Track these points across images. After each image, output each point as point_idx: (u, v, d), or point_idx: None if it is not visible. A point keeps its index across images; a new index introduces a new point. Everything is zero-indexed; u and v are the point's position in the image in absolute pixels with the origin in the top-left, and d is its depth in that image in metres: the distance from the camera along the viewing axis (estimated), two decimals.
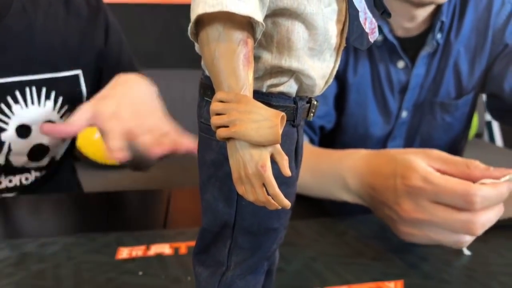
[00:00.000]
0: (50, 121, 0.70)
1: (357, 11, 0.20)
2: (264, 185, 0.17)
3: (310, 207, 0.57)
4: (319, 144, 0.77)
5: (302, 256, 0.45)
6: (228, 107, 0.16)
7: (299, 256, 0.45)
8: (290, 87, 0.20)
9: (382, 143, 0.79)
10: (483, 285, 0.39)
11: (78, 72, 0.73)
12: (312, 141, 0.75)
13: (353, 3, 0.20)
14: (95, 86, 0.74)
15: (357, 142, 0.78)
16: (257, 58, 0.19)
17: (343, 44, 0.22)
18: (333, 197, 0.54)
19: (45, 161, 0.73)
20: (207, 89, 0.21)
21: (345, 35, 0.21)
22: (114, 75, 0.69)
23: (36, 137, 0.69)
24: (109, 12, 0.78)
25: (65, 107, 0.72)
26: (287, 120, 0.21)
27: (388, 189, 0.43)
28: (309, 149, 0.60)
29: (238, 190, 0.17)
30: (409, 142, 0.80)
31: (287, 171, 0.17)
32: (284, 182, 0.21)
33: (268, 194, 0.17)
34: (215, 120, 0.17)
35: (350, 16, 0.20)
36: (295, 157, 0.23)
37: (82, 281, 0.41)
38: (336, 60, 0.22)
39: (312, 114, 0.23)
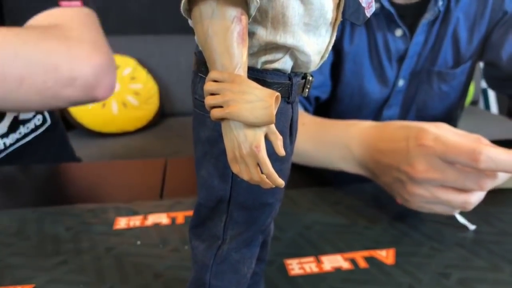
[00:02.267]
0: None
1: None
2: (258, 164, 0.17)
3: (305, 176, 0.58)
4: (314, 114, 0.77)
5: (297, 225, 0.46)
6: (222, 87, 0.16)
7: (293, 225, 0.46)
8: (285, 63, 0.20)
9: (378, 111, 0.79)
10: (471, 253, 0.41)
11: None
12: (307, 111, 0.75)
13: None
14: None
15: (353, 111, 0.78)
16: (251, 34, 0.19)
17: (339, 18, 0.21)
18: (332, 167, 0.55)
19: (6, 121, 0.67)
20: (201, 64, 0.21)
21: (341, 9, 0.21)
22: None
23: None
24: None
25: None
26: (282, 97, 0.21)
27: (400, 151, 0.44)
28: (310, 119, 0.60)
29: (233, 169, 0.18)
30: (405, 111, 0.80)
31: (281, 151, 0.17)
32: (278, 159, 0.21)
33: (263, 173, 0.17)
34: (209, 100, 0.17)
35: None
36: (290, 133, 0.23)
37: (82, 252, 0.41)
38: (332, 35, 0.22)
39: (307, 90, 0.23)
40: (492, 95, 2.17)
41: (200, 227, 0.24)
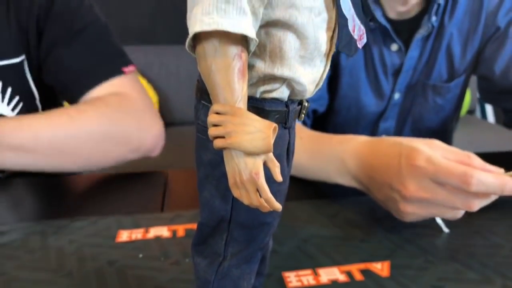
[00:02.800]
0: (1, 116, 0.66)
1: (346, 20, 0.21)
2: (257, 190, 0.18)
3: (303, 188, 0.59)
4: (312, 126, 0.79)
5: (294, 238, 0.47)
6: (224, 119, 0.18)
7: (291, 238, 0.47)
8: (282, 93, 0.22)
9: (374, 124, 0.81)
10: (464, 266, 0.42)
11: (22, 57, 0.66)
12: (304, 124, 0.76)
13: (342, 12, 0.21)
14: (38, 72, 0.68)
15: (350, 124, 0.80)
16: (251, 67, 0.20)
17: (333, 49, 0.23)
18: (329, 180, 0.56)
19: None
20: (204, 93, 0.22)
21: (334, 41, 0.22)
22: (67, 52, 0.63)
23: None
24: None
25: (16, 99, 0.67)
26: (279, 123, 0.22)
27: (392, 169, 0.45)
28: (308, 133, 0.61)
29: (234, 194, 0.19)
30: (401, 123, 0.82)
31: (278, 177, 0.18)
32: (276, 181, 0.22)
33: (261, 197, 0.19)
34: (212, 132, 0.18)
35: (340, 24, 0.21)
36: (287, 156, 0.24)
37: (85, 265, 0.43)
38: (326, 65, 0.23)
39: (303, 115, 0.24)
40: (488, 104, 2.20)
41: (202, 245, 0.25)
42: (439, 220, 0.47)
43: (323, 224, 0.50)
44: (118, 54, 0.69)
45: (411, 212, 0.44)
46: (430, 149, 0.43)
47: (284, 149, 0.23)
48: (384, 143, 0.49)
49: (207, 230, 0.24)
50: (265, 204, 0.19)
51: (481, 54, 0.75)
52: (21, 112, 0.68)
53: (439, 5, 0.70)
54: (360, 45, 0.22)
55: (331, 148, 0.56)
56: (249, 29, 0.17)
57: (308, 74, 0.22)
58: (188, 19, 0.18)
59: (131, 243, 0.46)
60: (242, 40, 0.18)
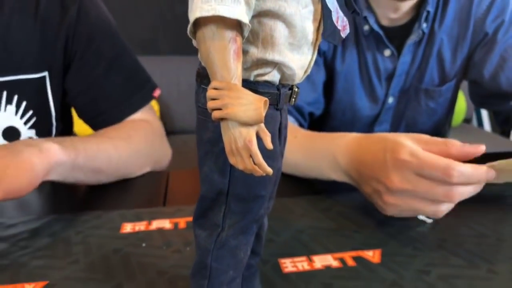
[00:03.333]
0: (12, 128, 0.67)
1: (330, 11, 0.24)
2: (251, 156, 0.21)
3: (298, 185, 0.62)
4: (308, 129, 0.81)
5: (290, 229, 0.49)
6: (221, 93, 0.20)
7: (287, 229, 0.49)
8: (273, 76, 0.24)
9: (369, 127, 0.84)
10: (451, 253, 0.44)
11: (45, 74, 0.69)
12: (301, 127, 0.79)
13: (326, 4, 0.24)
14: (59, 90, 0.72)
15: (345, 127, 0.82)
16: (245, 52, 0.23)
17: (319, 39, 0.26)
18: (322, 176, 0.58)
19: None
20: (204, 78, 0.25)
21: (320, 31, 0.25)
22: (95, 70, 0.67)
23: None
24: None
25: (29, 113, 0.69)
26: (271, 104, 0.25)
27: (378, 163, 0.47)
28: (302, 132, 0.64)
29: (230, 161, 0.21)
30: (395, 127, 0.85)
31: (269, 145, 0.21)
32: (269, 156, 0.25)
33: (255, 163, 0.21)
34: (210, 104, 0.21)
35: (324, 15, 0.24)
36: (279, 136, 0.27)
37: (91, 252, 0.45)
38: (313, 53, 0.26)
39: (293, 100, 0.27)
40: (484, 113, 2.23)
41: (202, 218, 0.27)
42: (421, 217, 0.50)
43: (317, 217, 0.52)
44: (147, 80, 0.76)
45: (394, 203, 0.46)
46: (413, 143, 0.45)
47: (276, 128, 0.26)
48: (371, 139, 0.51)
49: (207, 203, 0.27)
50: (258, 169, 0.21)
51: (471, 59, 0.78)
52: (34, 127, 0.70)
53: (428, 12, 0.73)
54: (343, 34, 0.25)
55: (324, 145, 0.58)
56: (243, 15, 0.20)
57: (296, 60, 0.24)
58: (189, 7, 0.21)
59: (134, 234, 0.49)
60: (237, 26, 0.21)
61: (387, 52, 0.77)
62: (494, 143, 1.92)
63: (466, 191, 0.43)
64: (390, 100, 0.81)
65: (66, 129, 0.78)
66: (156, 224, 0.51)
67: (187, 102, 1.97)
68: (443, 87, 0.80)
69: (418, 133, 0.47)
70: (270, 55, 0.23)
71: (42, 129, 0.71)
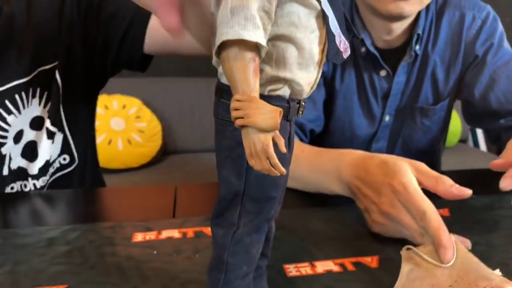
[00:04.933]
0: (38, 117, 0.72)
1: (334, 36, 0.28)
2: (268, 158, 0.24)
3: (301, 198, 0.65)
4: None
5: (294, 237, 0.52)
6: (243, 104, 0.24)
7: (291, 238, 0.52)
8: (284, 91, 0.28)
9: (367, 144, 0.87)
10: None
11: (56, 63, 0.72)
12: (303, 142, 0.82)
13: (331, 30, 0.28)
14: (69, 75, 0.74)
15: (344, 144, 0.86)
16: (260, 70, 0.26)
17: (324, 59, 0.29)
18: (324, 189, 0.61)
19: (39, 163, 0.74)
20: (224, 92, 0.28)
21: (325, 53, 0.29)
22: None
23: (26, 137, 0.70)
24: None
25: (45, 97, 0.73)
26: (282, 116, 0.28)
27: (375, 185, 0.51)
28: (308, 148, 0.67)
29: (250, 163, 0.25)
30: (392, 144, 0.88)
31: (283, 149, 0.24)
32: (281, 161, 0.28)
33: (271, 165, 0.24)
34: (234, 114, 0.24)
35: (329, 39, 0.28)
36: (288, 144, 0.30)
37: (105, 259, 0.47)
38: (318, 72, 0.29)
39: (301, 112, 0.31)
40: (480, 133, 2.27)
41: (220, 217, 0.30)
42: None
43: (319, 227, 0.55)
44: None
45: (381, 222, 0.50)
46: (410, 173, 0.48)
47: (286, 138, 0.29)
48: (375, 160, 0.54)
49: (224, 204, 0.30)
50: (273, 169, 0.24)
51: (463, 80, 0.83)
52: (47, 104, 0.73)
53: (418, 35, 0.78)
54: (345, 56, 0.29)
55: (330, 160, 0.61)
56: (261, 39, 0.24)
57: (304, 78, 0.28)
58: (217, 32, 0.25)
59: (146, 243, 0.51)
60: (256, 48, 0.24)
61: (383, 73, 0.81)
62: (490, 163, 1.95)
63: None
64: (387, 118, 0.85)
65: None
66: (165, 233, 0.54)
67: (189, 122, 2.01)
68: (437, 105, 0.84)
69: (419, 162, 0.51)
70: (282, 73, 0.27)
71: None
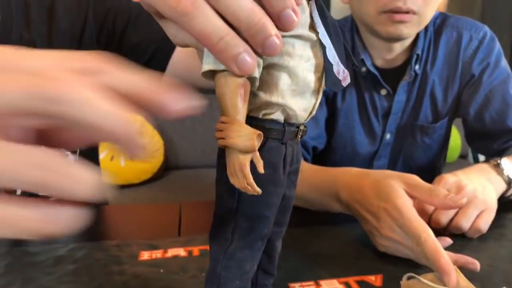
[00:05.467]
0: None
1: (332, 65, 0.29)
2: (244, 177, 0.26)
3: (305, 216, 0.65)
4: (312, 163, 0.86)
5: (299, 256, 0.53)
6: (226, 126, 0.25)
7: (296, 256, 0.53)
8: (278, 115, 0.29)
9: (369, 161, 0.88)
10: None
11: None
12: (305, 160, 0.84)
13: (328, 59, 0.29)
14: None
15: (346, 161, 0.87)
16: (255, 96, 0.28)
17: (322, 86, 0.30)
18: (328, 208, 0.63)
19: None
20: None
21: (323, 80, 0.30)
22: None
23: None
24: None
25: None
26: (276, 138, 0.30)
27: (372, 209, 0.52)
28: (306, 166, 0.69)
29: (230, 180, 0.26)
30: (393, 161, 0.89)
31: (261, 169, 0.26)
32: (272, 182, 0.30)
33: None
34: (217, 134, 0.26)
35: (326, 68, 0.29)
36: (284, 166, 0.31)
37: (112, 277, 0.48)
38: (317, 98, 0.30)
39: (299, 136, 0.32)
40: None
41: (215, 232, 0.32)
42: None
43: (323, 245, 0.56)
44: None
45: (387, 245, 0.50)
46: (404, 186, 0.49)
47: (280, 159, 0.30)
48: (368, 181, 0.54)
49: (219, 220, 0.31)
50: (249, 188, 0.26)
51: (460, 98, 0.84)
52: None
53: (417, 55, 0.80)
54: (344, 84, 0.30)
55: (327, 181, 0.62)
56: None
57: (299, 104, 0.29)
58: (203, 59, 0.26)
59: (152, 261, 0.52)
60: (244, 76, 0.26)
61: (383, 92, 0.83)
62: None
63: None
64: (388, 136, 0.87)
65: None
66: (171, 252, 0.55)
67: (191, 139, 2.02)
68: (436, 124, 0.86)
69: (411, 175, 0.51)
70: (275, 99, 0.28)
71: None
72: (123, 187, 1.76)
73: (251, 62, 0.25)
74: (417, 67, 0.81)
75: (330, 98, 0.84)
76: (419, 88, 0.83)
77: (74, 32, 0.71)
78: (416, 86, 0.83)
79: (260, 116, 0.29)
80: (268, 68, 0.28)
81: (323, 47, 0.29)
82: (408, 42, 0.79)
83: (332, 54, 0.29)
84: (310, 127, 0.81)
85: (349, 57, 0.30)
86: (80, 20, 0.71)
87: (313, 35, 0.28)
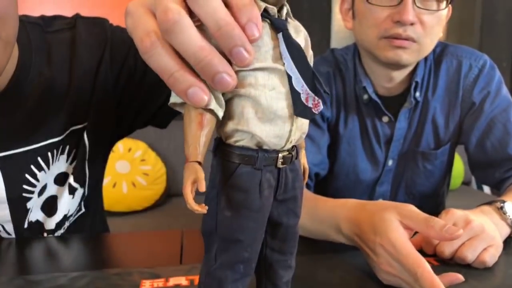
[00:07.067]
0: (63, 173, 0.72)
1: (299, 93, 0.29)
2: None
3: (306, 245, 0.65)
4: (315, 189, 0.86)
5: (301, 286, 0.52)
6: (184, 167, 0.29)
7: (298, 285, 0.52)
8: (247, 142, 0.30)
9: (371, 188, 0.88)
10: None
11: (85, 124, 0.73)
12: (308, 187, 0.83)
13: (294, 88, 0.29)
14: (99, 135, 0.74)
15: (349, 187, 0.87)
16: (225, 124, 0.30)
17: None
18: (329, 238, 0.62)
19: (57, 217, 0.73)
20: (216, 148, 0.32)
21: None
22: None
23: (48, 191, 0.70)
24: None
25: (72, 154, 0.73)
26: (248, 164, 0.30)
27: (370, 244, 0.52)
28: (307, 196, 0.68)
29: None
30: (395, 188, 0.89)
31: (202, 189, 0.28)
32: (247, 207, 0.31)
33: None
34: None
35: (293, 97, 0.29)
36: (260, 191, 0.31)
37: None
38: (292, 124, 0.30)
39: (279, 163, 0.31)
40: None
41: (205, 253, 0.33)
42: None
43: (325, 274, 0.55)
44: None
45: (386, 279, 0.50)
46: (399, 218, 0.49)
47: (252, 184, 0.31)
48: (364, 214, 0.54)
49: (205, 240, 0.33)
50: (194, 208, 0.28)
51: (462, 126, 0.85)
52: (74, 162, 0.74)
53: (417, 82, 0.81)
54: (316, 111, 0.30)
55: (327, 212, 0.62)
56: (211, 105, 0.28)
57: (267, 131, 0.30)
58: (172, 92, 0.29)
59: None
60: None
61: (385, 119, 0.84)
62: None
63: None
64: (390, 162, 0.87)
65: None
66: (173, 281, 0.54)
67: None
68: (438, 150, 0.86)
69: (407, 205, 0.51)
70: (241, 127, 0.29)
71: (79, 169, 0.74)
72: (125, 214, 1.75)
73: (201, 96, 0.27)
74: (417, 94, 0.82)
75: (332, 125, 0.85)
76: (421, 115, 0.84)
77: (92, 68, 0.72)
78: (418, 113, 0.84)
79: (232, 142, 0.30)
80: (234, 97, 0.29)
81: (289, 77, 0.29)
82: (407, 70, 0.80)
83: (300, 83, 0.29)
84: (313, 153, 0.82)
85: (319, 84, 0.30)
86: (97, 56, 0.72)
87: (279, 66, 0.29)
